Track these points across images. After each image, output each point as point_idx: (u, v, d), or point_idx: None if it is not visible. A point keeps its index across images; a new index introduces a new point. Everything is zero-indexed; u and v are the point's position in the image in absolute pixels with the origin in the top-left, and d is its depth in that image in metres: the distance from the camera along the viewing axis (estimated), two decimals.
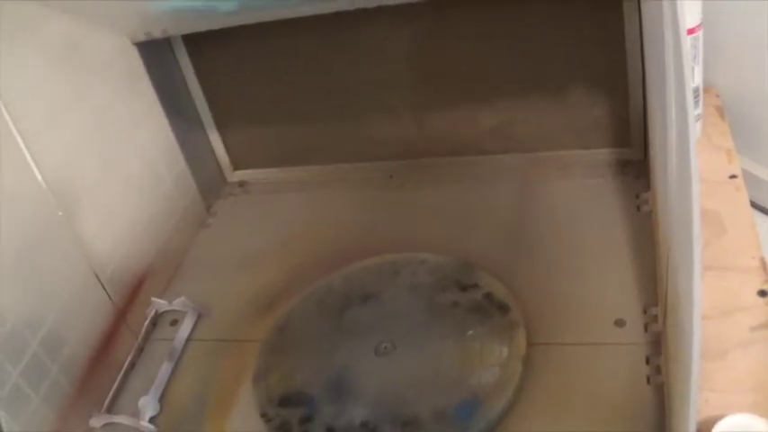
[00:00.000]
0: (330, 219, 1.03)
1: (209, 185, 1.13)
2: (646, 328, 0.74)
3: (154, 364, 0.84)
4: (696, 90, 0.88)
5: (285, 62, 1.03)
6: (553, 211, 0.94)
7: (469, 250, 0.89)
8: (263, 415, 0.75)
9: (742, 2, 0.88)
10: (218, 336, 0.88)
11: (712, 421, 0.55)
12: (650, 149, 0.87)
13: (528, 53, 0.95)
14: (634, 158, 0.98)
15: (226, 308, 0.91)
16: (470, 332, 0.78)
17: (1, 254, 0.72)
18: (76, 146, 0.86)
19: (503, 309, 0.79)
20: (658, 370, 0.69)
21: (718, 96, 0.97)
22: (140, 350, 0.88)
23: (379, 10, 0.84)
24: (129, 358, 0.86)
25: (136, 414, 0.78)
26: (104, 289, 0.86)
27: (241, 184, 1.17)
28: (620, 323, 0.75)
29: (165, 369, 0.83)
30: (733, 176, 0.85)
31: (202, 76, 1.08)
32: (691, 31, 0.83)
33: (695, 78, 0.87)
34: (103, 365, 0.83)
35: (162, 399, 0.81)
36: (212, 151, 1.15)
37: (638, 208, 0.90)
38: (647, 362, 0.70)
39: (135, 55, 0.96)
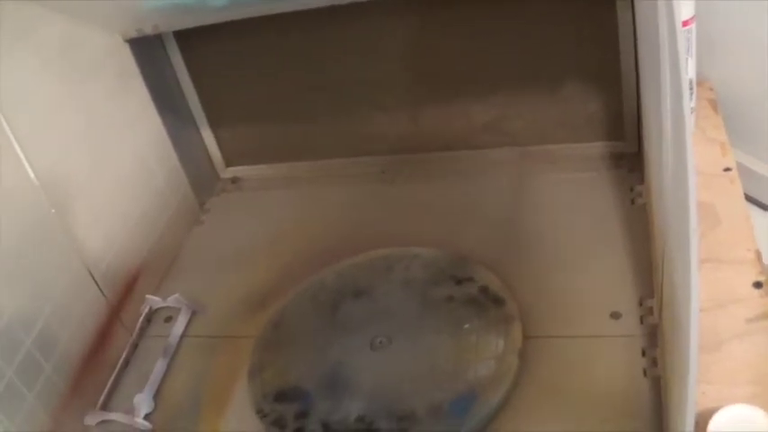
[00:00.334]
0: (323, 214, 1.02)
1: (202, 182, 1.12)
2: (641, 320, 0.74)
3: (148, 361, 0.84)
4: (690, 83, 0.88)
5: (278, 59, 1.03)
6: (548, 205, 0.94)
7: (463, 245, 0.89)
8: (259, 411, 0.75)
9: None
10: (212, 332, 0.88)
11: (709, 413, 0.55)
12: (644, 142, 0.87)
13: (521, 49, 0.95)
14: (628, 151, 0.98)
15: (220, 304, 0.91)
16: (466, 326, 0.78)
17: None
18: (69, 143, 0.85)
19: (498, 302, 0.79)
20: (655, 362, 0.69)
21: (711, 89, 0.97)
22: (135, 347, 0.88)
23: (373, 4, 0.83)
24: (123, 355, 0.86)
25: (131, 411, 0.78)
26: (98, 286, 0.85)
27: (234, 180, 1.16)
28: (615, 315, 0.75)
29: (160, 366, 0.83)
30: (727, 169, 0.85)
31: (195, 73, 1.07)
32: (684, 24, 0.83)
33: (689, 71, 0.87)
34: (98, 363, 0.83)
35: (157, 396, 0.80)
36: (205, 148, 1.15)
37: (633, 201, 0.90)
38: (644, 354, 0.70)
39: (127, 53, 0.96)
